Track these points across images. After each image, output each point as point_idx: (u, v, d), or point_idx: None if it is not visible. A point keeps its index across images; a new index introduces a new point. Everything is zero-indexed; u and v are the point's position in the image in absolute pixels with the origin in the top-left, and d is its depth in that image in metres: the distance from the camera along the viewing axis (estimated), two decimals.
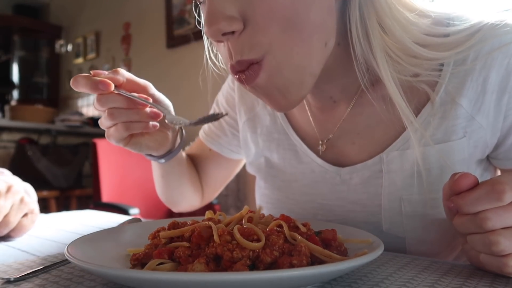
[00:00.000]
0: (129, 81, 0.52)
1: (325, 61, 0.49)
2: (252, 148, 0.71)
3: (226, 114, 0.52)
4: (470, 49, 0.48)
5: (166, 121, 0.53)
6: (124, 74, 0.51)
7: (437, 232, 0.52)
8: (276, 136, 0.66)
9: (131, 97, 0.50)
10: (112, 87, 0.48)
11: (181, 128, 0.65)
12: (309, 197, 0.62)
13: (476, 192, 0.36)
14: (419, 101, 0.52)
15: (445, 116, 0.50)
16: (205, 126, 0.80)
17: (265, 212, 0.67)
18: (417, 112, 0.51)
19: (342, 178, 0.58)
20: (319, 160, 0.61)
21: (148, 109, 0.53)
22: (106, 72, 0.50)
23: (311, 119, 0.62)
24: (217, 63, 0.65)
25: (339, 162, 0.59)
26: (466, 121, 0.50)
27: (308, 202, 0.62)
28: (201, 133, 0.81)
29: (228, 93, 0.78)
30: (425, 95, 0.51)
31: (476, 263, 0.40)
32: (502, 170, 0.56)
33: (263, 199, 0.69)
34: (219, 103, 0.80)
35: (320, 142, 0.61)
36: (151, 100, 0.53)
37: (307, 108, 0.63)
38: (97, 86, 0.47)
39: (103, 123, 0.53)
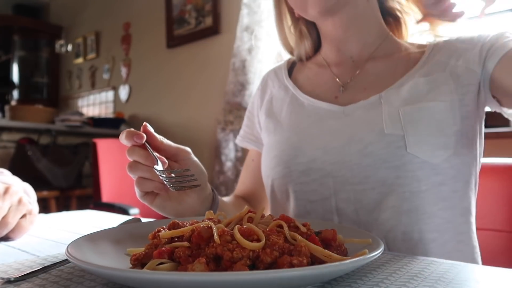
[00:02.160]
0: (165, 145, 0.58)
1: None
2: (264, 118, 0.81)
3: (199, 185, 0.58)
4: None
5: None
6: (163, 139, 0.58)
7: (433, 132, 0.62)
8: (288, 100, 0.77)
9: (153, 155, 0.54)
10: (144, 139, 0.54)
11: (215, 195, 0.68)
12: (315, 130, 0.70)
13: None
14: (413, 64, 0.70)
15: (428, 66, 0.67)
16: (241, 132, 0.89)
17: (275, 152, 0.72)
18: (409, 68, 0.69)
19: (346, 113, 0.68)
20: (325, 104, 0.71)
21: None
22: (152, 130, 0.57)
23: (332, 73, 0.76)
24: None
25: (347, 103, 0.69)
26: (444, 65, 0.66)
27: (315, 136, 0.69)
28: (238, 139, 0.89)
29: (252, 102, 0.88)
30: (415, 61, 0.70)
31: None
32: (493, 83, 0.65)
33: (270, 150, 0.74)
34: (247, 111, 0.90)
35: (341, 84, 0.73)
36: (165, 166, 0.56)
37: (329, 68, 0.77)
38: (132, 138, 0.53)
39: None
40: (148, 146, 0.55)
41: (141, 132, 0.54)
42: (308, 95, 0.75)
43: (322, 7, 0.67)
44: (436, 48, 0.70)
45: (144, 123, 0.57)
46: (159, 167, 0.53)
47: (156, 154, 0.55)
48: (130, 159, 0.56)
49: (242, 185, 0.88)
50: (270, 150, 0.74)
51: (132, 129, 0.55)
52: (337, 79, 0.74)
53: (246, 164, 0.88)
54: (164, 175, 0.53)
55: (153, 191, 0.59)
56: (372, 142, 0.63)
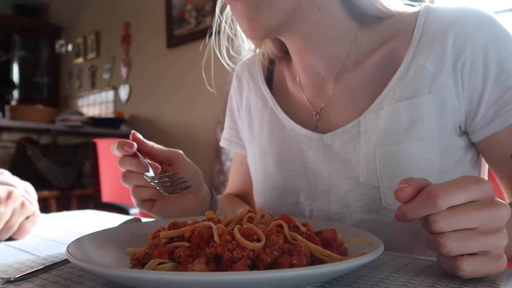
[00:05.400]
0: (156, 150, 0.57)
1: (298, 5, 0.57)
2: (247, 135, 0.76)
3: (190, 186, 0.58)
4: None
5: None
6: (153, 144, 0.58)
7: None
8: (267, 117, 0.71)
9: (144, 162, 0.54)
10: (135, 148, 0.54)
11: (213, 194, 0.68)
12: (299, 164, 0.66)
13: (415, 200, 0.38)
14: (393, 68, 0.59)
15: (412, 77, 0.56)
16: (225, 135, 0.84)
17: (262, 189, 0.70)
18: (391, 77, 0.59)
19: (325, 143, 0.63)
20: (304, 131, 0.65)
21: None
22: (141, 137, 0.57)
23: (304, 97, 0.68)
24: (222, 59, 0.73)
25: (328, 133, 0.64)
26: (431, 79, 0.56)
27: (299, 170, 0.66)
28: (223, 142, 0.85)
29: (230, 98, 0.83)
30: (398, 63, 0.59)
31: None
32: (480, 149, 0.59)
33: (259, 179, 0.72)
34: (227, 109, 0.85)
35: (314, 113, 0.66)
36: (158, 171, 0.56)
37: (301, 87, 0.69)
38: (123, 147, 0.53)
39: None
40: (139, 153, 0.55)
41: (131, 141, 0.54)
42: (287, 114, 0.69)
43: (252, 37, 0.60)
44: (426, 30, 0.57)
45: (132, 131, 0.56)
46: (150, 173, 0.53)
47: (147, 160, 0.55)
48: (123, 169, 0.56)
49: (233, 186, 0.87)
50: (257, 183, 0.72)
51: (122, 139, 0.54)
52: (310, 105, 0.67)
53: (235, 167, 0.86)
54: (156, 181, 0.53)
55: (150, 198, 0.59)
56: (348, 192, 0.59)
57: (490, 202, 0.37)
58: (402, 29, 0.60)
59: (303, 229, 0.40)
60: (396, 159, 0.56)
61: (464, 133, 0.58)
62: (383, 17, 0.61)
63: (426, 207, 0.37)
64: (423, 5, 0.59)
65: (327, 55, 0.63)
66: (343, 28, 0.62)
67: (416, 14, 0.59)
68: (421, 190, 0.38)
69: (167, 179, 0.55)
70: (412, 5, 0.61)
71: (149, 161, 0.56)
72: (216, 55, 0.71)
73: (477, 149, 0.59)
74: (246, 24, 0.58)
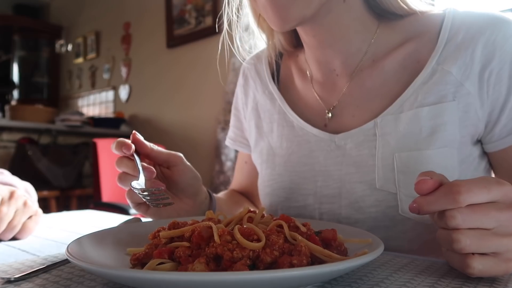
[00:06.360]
0: (155, 152, 0.57)
1: None
2: (254, 135, 0.74)
3: (173, 203, 0.55)
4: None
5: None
6: (153, 146, 0.57)
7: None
8: (276, 117, 0.70)
9: (138, 167, 0.53)
10: (132, 150, 0.53)
11: (212, 198, 0.67)
12: (307, 166, 0.64)
13: (435, 194, 0.38)
14: (414, 70, 0.57)
15: (436, 82, 0.55)
16: (230, 134, 0.83)
17: (268, 190, 0.69)
18: (411, 80, 0.57)
19: (337, 144, 0.61)
20: (315, 130, 0.64)
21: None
22: (142, 138, 0.56)
23: (315, 93, 0.66)
24: (237, 51, 0.73)
25: (338, 133, 0.62)
26: (456, 86, 0.54)
27: (307, 171, 0.64)
28: (228, 141, 0.84)
29: (236, 96, 0.82)
30: (419, 66, 0.57)
31: (444, 256, 0.41)
32: (492, 159, 0.58)
33: (265, 180, 0.70)
34: (233, 108, 0.84)
35: (326, 110, 0.64)
36: (153, 176, 0.55)
37: (312, 84, 0.68)
38: (121, 148, 0.53)
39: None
40: (136, 156, 0.54)
41: (129, 143, 0.53)
42: (296, 112, 0.67)
43: (281, 28, 0.56)
44: (453, 35, 0.55)
45: (133, 131, 0.56)
46: (140, 180, 0.52)
47: (143, 164, 0.55)
48: (119, 170, 0.55)
49: (237, 184, 0.86)
50: (263, 184, 0.71)
51: (122, 139, 0.54)
52: (322, 103, 0.65)
53: (240, 166, 0.85)
54: (145, 193, 0.52)
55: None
56: (362, 197, 0.58)
57: (510, 205, 0.37)
58: (424, 30, 0.58)
59: (303, 229, 0.40)
60: (416, 166, 0.54)
61: (478, 141, 0.57)
62: (403, 15, 0.60)
63: (446, 201, 0.36)
64: (448, 7, 0.58)
65: (345, 51, 0.61)
66: (364, 23, 0.60)
67: (441, 16, 0.57)
68: (441, 184, 0.38)
69: (153, 194, 0.53)
70: (432, 5, 0.60)
71: (145, 164, 0.55)
72: (222, 52, 0.70)
73: (489, 159, 0.59)
74: (279, 13, 0.53)
